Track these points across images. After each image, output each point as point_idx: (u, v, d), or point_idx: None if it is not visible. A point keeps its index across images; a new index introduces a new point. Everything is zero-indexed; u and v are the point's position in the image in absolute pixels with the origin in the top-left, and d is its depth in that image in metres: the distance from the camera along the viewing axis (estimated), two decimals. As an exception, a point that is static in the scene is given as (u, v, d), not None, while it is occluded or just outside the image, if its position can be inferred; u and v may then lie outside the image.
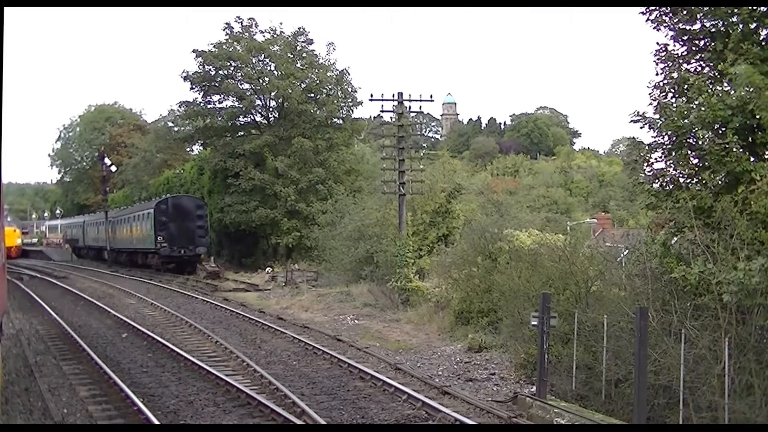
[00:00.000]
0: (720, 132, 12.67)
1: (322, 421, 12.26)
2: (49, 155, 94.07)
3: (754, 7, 12.84)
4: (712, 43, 13.68)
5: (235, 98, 48.78)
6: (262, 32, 49.21)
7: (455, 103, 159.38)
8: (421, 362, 17.91)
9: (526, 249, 20.12)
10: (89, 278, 44.77)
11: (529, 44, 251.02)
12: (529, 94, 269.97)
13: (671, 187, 13.71)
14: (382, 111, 31.14)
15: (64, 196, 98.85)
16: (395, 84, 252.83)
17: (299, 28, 49.20)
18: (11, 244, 63.93)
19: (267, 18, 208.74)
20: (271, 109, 50.09)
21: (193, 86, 48.20)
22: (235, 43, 48.49)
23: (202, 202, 48.33)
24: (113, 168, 79.32)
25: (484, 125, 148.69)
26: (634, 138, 15.04)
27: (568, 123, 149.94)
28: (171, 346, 19.23)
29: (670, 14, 14.07)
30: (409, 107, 30.71)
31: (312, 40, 49.47)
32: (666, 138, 13.66)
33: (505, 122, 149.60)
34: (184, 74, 47.79)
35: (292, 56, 48.99)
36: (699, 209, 12.75)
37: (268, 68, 48.69)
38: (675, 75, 13.94)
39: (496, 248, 21.87)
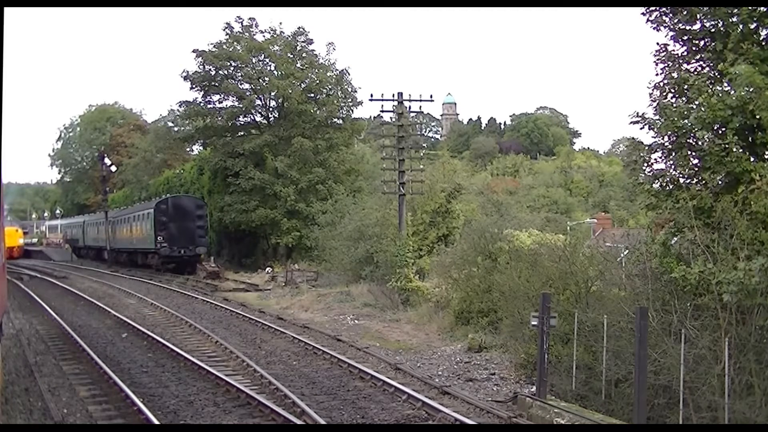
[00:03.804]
0: (720, 132, 12.68)
1: (322, 421, 12.26)
2: (49, 155, 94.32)
3: (754, 7, 12.84)
4: (712, 43, 13.68)
5: (235, 98, 48.81)
6: (262, 32, 49.35)
7: (455, 103, 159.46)
8: (421, 362, 17.92)
9: (526, 249, 20.13)
10: (89, 278, 44.77)
11: (529, 44, 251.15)
12: (529, 94, 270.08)
13: (671, 187, 13.71)
14: (382, 111, 31.18)
15: (64, 196, 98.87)
16: (395, 84, 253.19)
17: (299, 28, 49.33)
18: (13, 244, 63.84)
19: (267, 18, 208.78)
20: (271, 109, 50.11)
21: (193, 86, 48.25)
22: (235, 43, 48.51)
23: (202, 202, 48.34)
24: (113, 168, 79.26)
25: (484, 125, 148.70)
26: (634, 138, 15.06)
27: (568, 123, 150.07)
28: (171, 346, 19.23)
29: (670, 14, 14.08)
30: (409, 107, 30.72)
31: (312, 40, 49.62)
32: (666, 138, 13.67)
33: (505, 122, 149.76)
34: (184, 74, 47.88)
35: (292, 56, 49.01)
36: (699, 209, 12.76)
37: (268, 68, 48.70)
38: (675, 75, 13.95)
39: (496, 248, 21.88)
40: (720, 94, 12.49)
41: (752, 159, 12.63)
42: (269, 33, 49.29)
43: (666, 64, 14.22)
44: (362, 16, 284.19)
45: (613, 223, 53.11)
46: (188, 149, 67.01)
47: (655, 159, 14.14)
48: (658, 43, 14.40)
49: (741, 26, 13.05)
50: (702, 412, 11.40)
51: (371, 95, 30.16)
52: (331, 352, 18.46)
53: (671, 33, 14.21)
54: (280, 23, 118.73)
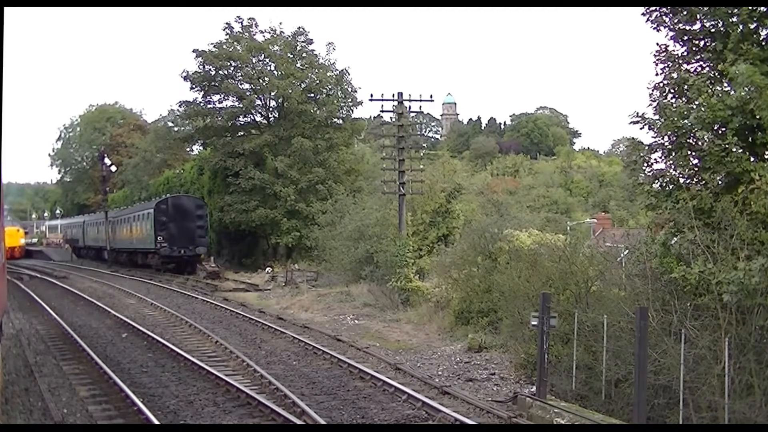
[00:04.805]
0: (720, 132, 12.68)
1: (322, 421, 12.26)
2: (49, 155, 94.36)
3: (754, 7, 12.84)
4: (712, 43, 13.69)
5: (235, 98, 48.80)
6: (262, 32, 49.37)
7: (455, 103, 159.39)
8: (421, 362, 17.92)
9: (526, 249, 20.12)
10: (89, 278, 44.77)
11: (529, 44, 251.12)
12: (529, 94, 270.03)
13: (671, 187, 13.72)
14: (382, 111, 31.19)
15: (64, 196, 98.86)
16: (395, 84, 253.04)
17: (299, 28, 49.34)
18: (15, 244, 63.97)
19: (267, 18, 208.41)
20: (271, 109, 50.10)
21: (193, 86, 48.25)
22: (235, 43, 48.52)
23: (202, 202, 48.33)
24: (113, 168, 79.25)
25: (484, 125, 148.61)
26: (634, 138, 15.06)
27: (568, 123, 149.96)
28: (171, 346, 19.23)
29: (670, 14, 14.08)
30: (409, 107, 30.72)
31: (312, 40, 49.63)
32: (666, 139, 13.67)
33: (505, 122, 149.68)
34: (184, 74, 47.87)
35: (292, 56, 49.02)
36: (699, 209, 12.76)
37: (268, 68, 48.70)
38: (675, 75, 13.94)
39: (496, 248, 21.88)
40: (720, 94, 12.50)
41: (752, 159, 12.63)
42: (269, 33, 49.35)
43: (666, 65, 14.22)
44: (362, 16, 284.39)
45: (613, 223, 53.12)
46: (188, 149, 66.97)
47: (655, 159, 14.15)
48: (658, 44, 14.41)
49: (741, 26, 13.04)
50: (702, 412, 11.40)
51: (371, 95, 30.21)
52: (331, 352, 18.46)
53: (671, 33, 14.21)
54: (280, 23, 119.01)
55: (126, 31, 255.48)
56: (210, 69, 48.01)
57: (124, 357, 18.49)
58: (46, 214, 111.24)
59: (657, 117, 13.70)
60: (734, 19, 13.18)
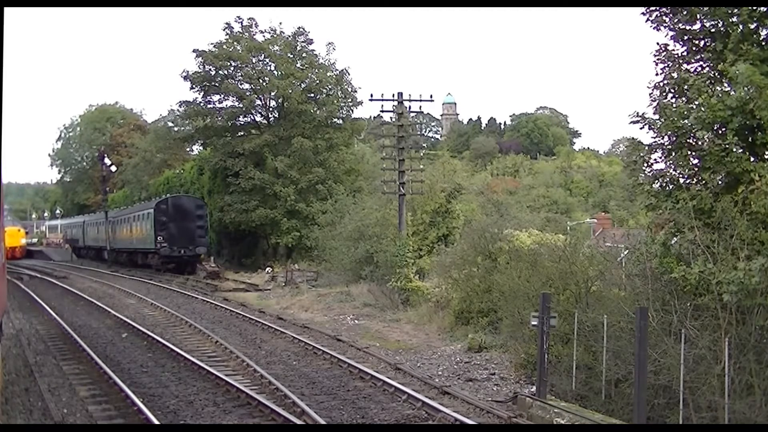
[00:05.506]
0: (720, 132, 12.68)
1: (322, 421, 12.26)
2: (49, 155, 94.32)
3: (754, 7, 12.85)
4: (712, 43, 13.69)
5: (235, 98, 48.83)
6: (262, 32, 49.41)
7: (455, 103, 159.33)
8: (421, 362, 17.92)
9: (526, 249, 20.11)
10: (89, 278, 44.78)
11: (529, 44, 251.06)
12: (529, 94, 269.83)
13: (671, 187, 13.71)
14: (382, 111, 31.20)
15: (64, 196, 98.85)
16: (395, 84, 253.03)
17: (299, 28, 49.37)
18: (15, 244, 63.98)
19: (267, 18, 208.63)
20: (271, 109, 50.12)
21: (193, 86, 48.25)
22: (235, 43, 48.54)
23: (202, 202, 48.35)
24: (113, 168, 79.29)
25: (484, 125, 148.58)
26: (634, 138, 15.05)
27: (568, 123, 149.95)
28: (171, 346, 19.24)
29: (670, 14, 14.09)
30: (409, 107, 30.71)
31: (312, 40, 49.67)
32: (666, 138, 13.67)
33: (505, 122, 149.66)
34: (184, 74, 47.87)
35: (292, 56, 49.05)
36: (699, 210, 12.75)
37: (268, 68, 48.73)
38: (675, 75, 13.95)
39: (496, 248, 21.87)
40: (720, 95, 12.49)
41: (752, 159, 12.63)
42: (269, 33, 49.39)
43: (666, 64, 14.23)
44: (362, 16, 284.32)
45: (613, 223, 53.14)
46: (188, 149, 66.99)
47: (655, 159, 14.15)
48: (658, 43, 14.42)
49: (741, 26, 13.05)
50: (702, 412, 11.40)
51: (371, 95, 30.20)
52: (331, 352, 18.46)
53: (671, 33, 14.21)
54: (280, 23, 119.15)
55: (126, 31, 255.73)
56: (210, 69, 48.03)
57: (124, 357, 18.49)
58: (46, 214, 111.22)
59: (657, 117, 13.70)
60: (734, 19, 13.18)
